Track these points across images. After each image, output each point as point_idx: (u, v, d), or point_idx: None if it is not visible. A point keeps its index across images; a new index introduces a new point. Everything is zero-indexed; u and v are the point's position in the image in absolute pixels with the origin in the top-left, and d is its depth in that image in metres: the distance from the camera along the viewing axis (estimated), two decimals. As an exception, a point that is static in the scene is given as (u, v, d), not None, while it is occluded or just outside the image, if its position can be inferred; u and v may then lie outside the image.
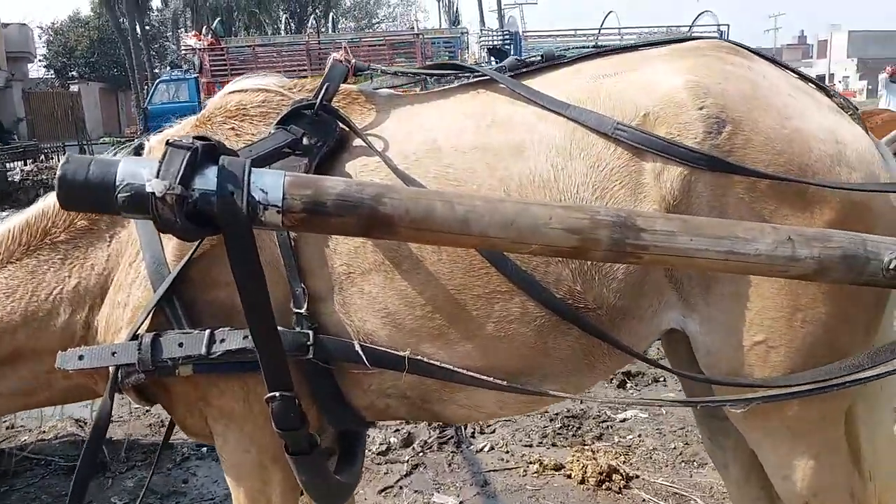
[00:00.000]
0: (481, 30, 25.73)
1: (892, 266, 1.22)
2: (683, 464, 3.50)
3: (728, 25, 20.20)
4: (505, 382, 1.53)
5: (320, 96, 1.60)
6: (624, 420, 3.95)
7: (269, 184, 1.08)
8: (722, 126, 1.45)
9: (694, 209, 1.46)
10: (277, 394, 1.34)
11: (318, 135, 1.57)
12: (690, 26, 21.01)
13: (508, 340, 1.54)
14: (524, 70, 1.70)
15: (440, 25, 29.91)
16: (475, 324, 1.54)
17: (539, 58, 1.72)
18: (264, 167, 1.51)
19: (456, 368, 1.52)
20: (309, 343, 1.50)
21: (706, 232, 1.20)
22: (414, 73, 1.88)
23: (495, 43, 21.15)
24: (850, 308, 1.50)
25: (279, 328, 1.43)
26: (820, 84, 1.65)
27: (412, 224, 1.12)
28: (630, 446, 3.65)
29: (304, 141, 1.55)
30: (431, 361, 1.54)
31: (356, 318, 1.55)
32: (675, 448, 3.63)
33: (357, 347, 1.52)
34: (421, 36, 21.90)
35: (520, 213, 1.14)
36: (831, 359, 1.47)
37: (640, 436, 3.77)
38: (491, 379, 1.52)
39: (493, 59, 20.68)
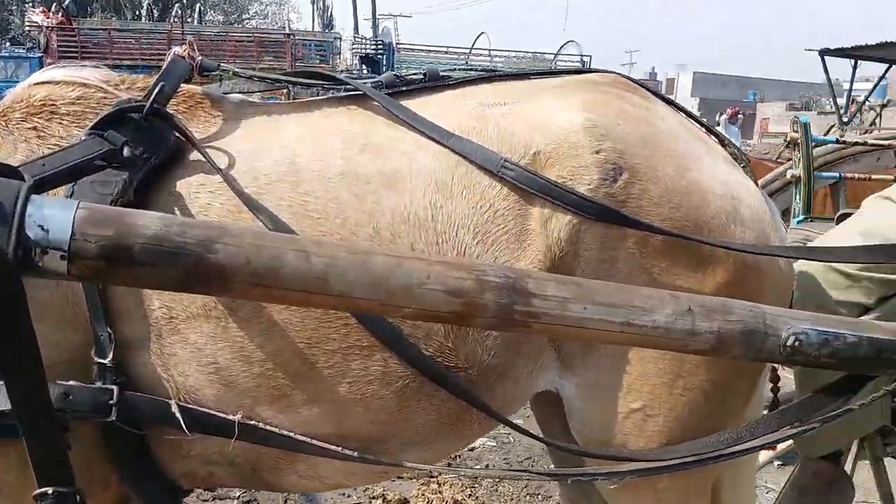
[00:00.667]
0: (355, 37, 25.38)
1: (789, 343, 1.13)
2: (529, 497, 3.44)
3: (590, 56, 21.19)
4: (356, 452, 1.29)
5: (152, 97, 1.30)
6: (472, 449, 3.86)
7: (54, 217, 0.79)
8: (619, 173, 1.31)
9: (581, 262, 1.31)
10: (50, 490, 1.02)
11: (146, 145, 1.27)
12: (556, 54, 21.87)
13: (364, 404, 1.31)
14: (404, 89, 1.48)
15: (313, 28, 29.23)
16: (326, 384, 1.30)
17: (421, 76, 1.52)
18: (61, 186, 1.22)
19: (299, 436, 1.28)
20: (112, 402, 1.19)
21: (602, 299, 1.04)
22: (274, 79, 1.62)
23: (368, 52, 20.91)
24: (732, 377, 1.41)
25: (76, 383, 1.14)
26: (713, 130, 1.56)
27: (253, 279, 0.88)
28: (477, 478, 3.56)
29: (126, 152, 1.24)
30: (269, 427, 1.28)
31: (176, 371, 1.26)
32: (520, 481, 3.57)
33: (174, 408, 1.23)
34: (292, 37, 21.28)
35: (392, 270, 0.93)
36: (708, 430, 1.37)
37: (487, 465, 3.70)
38: (340, 449, 1.28)
39: (365, 67, 20.45)
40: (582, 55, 21.25)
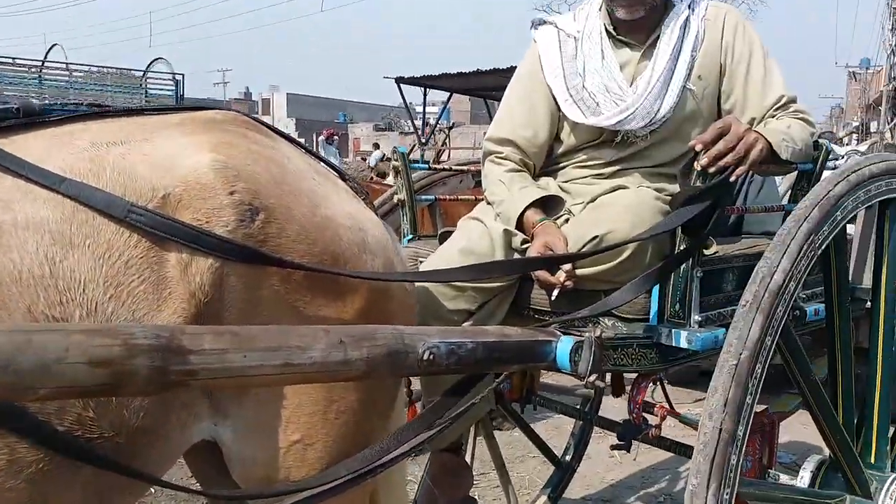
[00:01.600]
0: None
1: (426, 357, 1.28)
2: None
3: (183, 75, 20.41)
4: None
5: None
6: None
7: None
8: (255, 214, 1.32)
9: (228, 305, 1.29)
10: None
11: None
12: (145, 71, 20.56)
13: None
14: (-9, 128, 1.27)
15: None
16: None
17: (14, 110, 1.31)
18: None
19: None
20: None
21: (260, 344, 1.05)
22: None
23: None
24: (374, 392, 1.52)
25: None
26: (334, 166, 1.66)
27: None
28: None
29: None
30: None
31: None
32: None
33: None
34: None
35: (21, 349, 0.80)
36: (361, 447, 1.46)
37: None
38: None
39: None
40: (174, 73, 20.34)
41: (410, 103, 13.86)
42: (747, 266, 1.97)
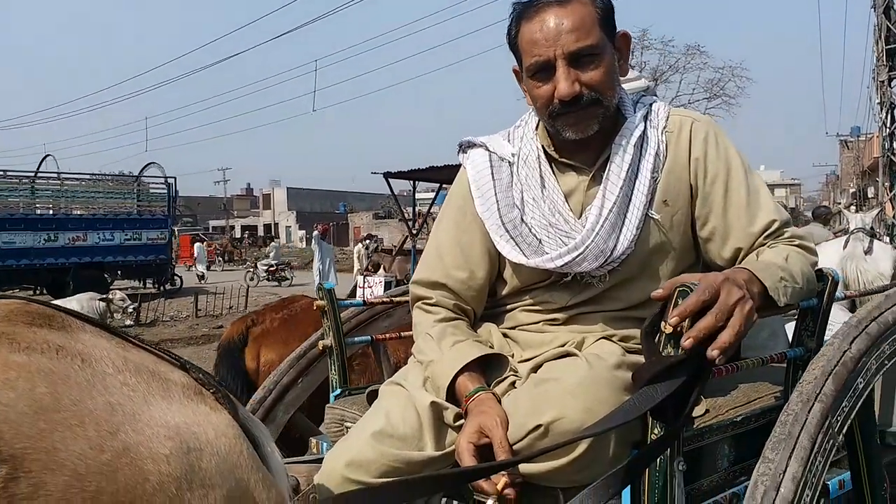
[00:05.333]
0: None
1: None
2: None
3: (175, 178, 20.46)
4: None
5: None
6: None
7: None
8: None
9: None
10: None
11: None
12: (137, 177, 20.63)
13: None
14: None
15: None
16: None
17: None
18: None
19: None
20: None
21: None
22: None
23: None
24: None
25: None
26: (169, 354, 1.22)
27: None
28: None
29: None
30: None
31: None
32: None
33: None
34: None
35: None
36: None
37: None
38: None
39: None
40: (166, 176, 20.38)
41: (406, 192, 13.76)
42: (746, 432, 1.54)
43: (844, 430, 1.19)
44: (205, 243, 33.20)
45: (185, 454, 1.03)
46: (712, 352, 1.16)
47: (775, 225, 1.53)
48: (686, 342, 1.16)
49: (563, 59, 1.49)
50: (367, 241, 18.25)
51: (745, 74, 27.37)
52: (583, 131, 1.54)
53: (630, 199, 1.53)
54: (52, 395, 0.97)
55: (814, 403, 1.13)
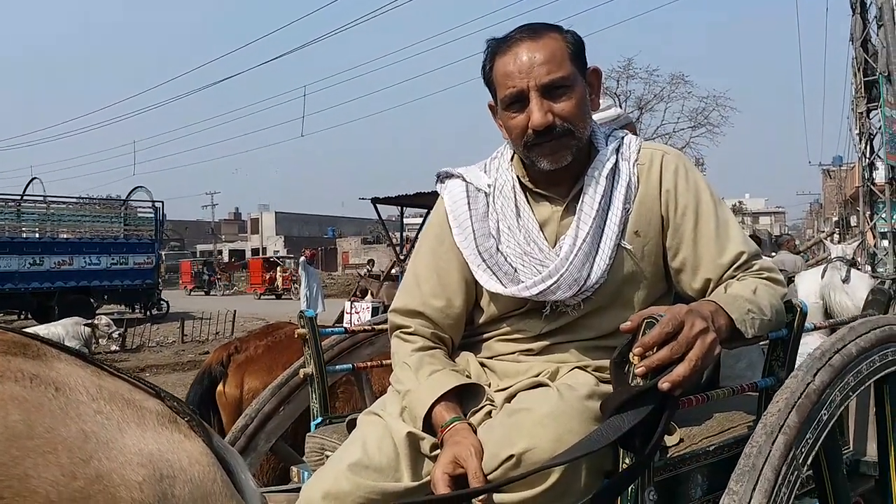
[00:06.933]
0: None
1: None
2: None
3: (162, 202, 20.45)
4: None
5: None
6: None
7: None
8: None
9: None
10: None
11: None
12: (125, 200, 20.60)
13: None
14: None
15: None
16: None
17: None
18: None
19: None
20: None
21: None
22: None
23: None
24: None
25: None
26: (144, 382, 1.23)
27: None
28: None
29: None
30: None
31: None
32: None
33: None
34: None
35: None
36: None
37: None
38: None
39: None
40: (154, 201, 20.37)
41: (394, 217, 13.80)
42: (720, 462, 1.56)
43: (810, 461, 1.22)
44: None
45: (158, 481, 1.04)
46: (663, 384, 1.20)
47: (744, 257, 1.58)
48: (638, 370, 1.20)
49: (535, 91, 1.54)
50: (369, 267, 18.24)
51: (728, 104, 27.90)
52: (557, 161, 1.58)
53: (603, 230, 1.58)
54: (26, 423, 0.98)
55: (777, 435, 1.16)
